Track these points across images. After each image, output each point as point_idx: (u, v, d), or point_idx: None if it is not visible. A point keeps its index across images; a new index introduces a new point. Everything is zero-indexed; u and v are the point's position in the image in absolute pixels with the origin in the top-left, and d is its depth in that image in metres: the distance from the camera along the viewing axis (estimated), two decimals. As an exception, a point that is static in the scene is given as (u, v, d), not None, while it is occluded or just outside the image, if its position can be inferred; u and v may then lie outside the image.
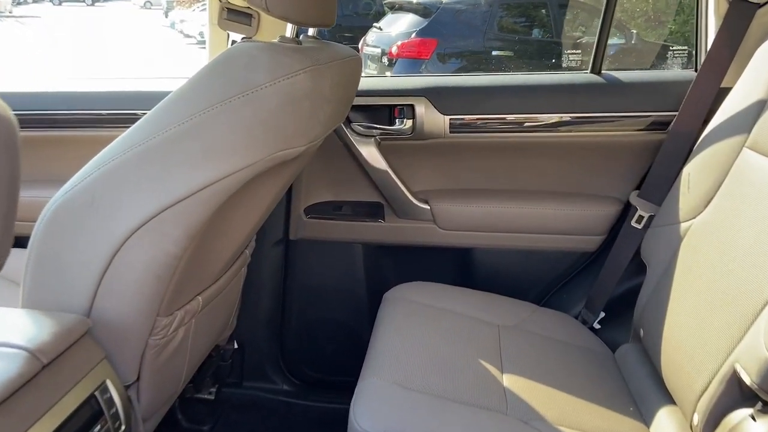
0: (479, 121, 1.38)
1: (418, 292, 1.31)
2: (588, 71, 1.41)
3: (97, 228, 0.84)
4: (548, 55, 5.75)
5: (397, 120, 1.40)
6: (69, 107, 1.40)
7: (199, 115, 0.81)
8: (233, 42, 1.32)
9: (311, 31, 1.18)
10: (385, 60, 5.45)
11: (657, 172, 1.28)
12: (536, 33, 5.87)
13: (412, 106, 1.38)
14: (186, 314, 1.00)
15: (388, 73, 5.38)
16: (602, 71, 1.40)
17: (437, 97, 1.38)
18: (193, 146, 0.81)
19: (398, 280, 1.42)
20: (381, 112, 1.41)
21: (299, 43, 0.96)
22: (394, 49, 5.38)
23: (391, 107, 1.40)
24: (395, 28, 5.60)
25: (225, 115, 0.81)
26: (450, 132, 1.38)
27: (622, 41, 5.69)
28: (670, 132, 1.28)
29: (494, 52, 5.60)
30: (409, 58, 5.40)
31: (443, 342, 1.12)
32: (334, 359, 1.60)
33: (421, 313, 1.22)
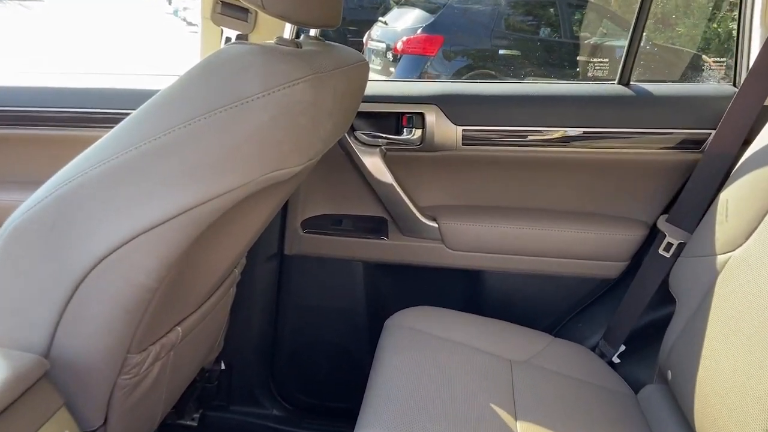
0: (495, 133, 1.26)
1: (423, 318, 1.20)
2: (615, 82, 1.29)
3: (57, 255, 0.73)
4: (556, 56, 5.65)
5: (405, 129, 1.28)
6: (45, 104, 1.28)
7: (179, 128, 0.70)
8: (227, 39, 1.20)
9: (313, 31, 1.06)
10: (389, 55, 5.36)
11: (689, 195, 1.17)
12: (544, 32, 5.78)
13: (421, 115, 1.26)
14: (163, 348, 0.89)
15: (392, 69, 5.28)
16: (631, 82, 1.28)
17: (449, 105, 1.26)
18: (172, 164, 0.70)
19: (401, 303, 1.30)
20: (388, 120, 1.30)
21: (299, 45, 0.84)
22: (399, 45, 5.28)
23: (399, 115, 1.28)
24: (401, 23, 5.50)
25: (210, 129, 0.69)
26: (462, 144, 1.27)
27: (631, 43, 5.57)
28: (706, 152, 1.16)
29: (501, 51, 5.53)
30: (414, 55, 5.30)
31: (451, 381, 1.01)
32: (328, 384, 1.48)
33: (426, 344, 1.11)
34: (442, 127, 1.26)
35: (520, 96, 1.27)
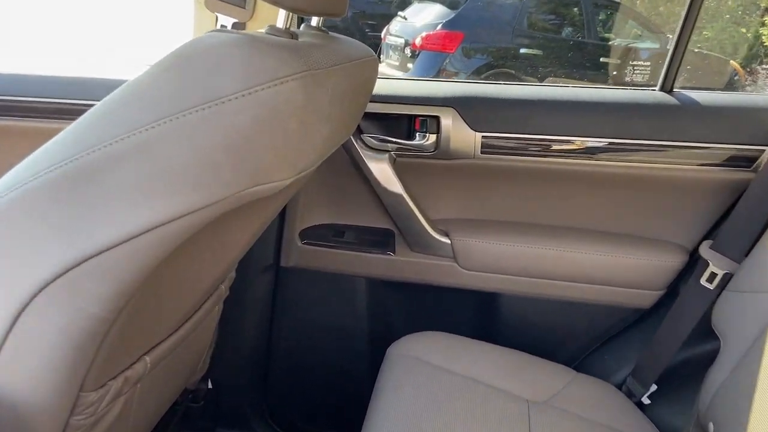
0: (518, 142, 1.12)
1: (429, 346, 1.07)
2: (656, 88, 1.15)
3: None
4: (579, 57, 5.50)
5: (417, 133, 1.15)
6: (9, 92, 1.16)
7: (140, 131, 0.57)
8: (221, 28, 1.08)
9: (315, 21, 0.93)
10: (407, 51, 5.24)
11: (738, 220, 1.03)
12: (567, 32, 5.64)
13: (437, 118, 1.13)
14: (127, 382, 0.77)
15: (409, 65, 5.16)
16: (674, 90, 1.14)
17: (468, 108, 1.12)
18: (128, 175, 0.57)
19: (406, 325, 1.18)
20: (399, 123, 1.16)
21: (294, 36, 0.71)
22: (417, 41, 5.16)
23: (412, 117, 1.15)
24: (421, 18, 5.38)
25: (176, 133, 0.57)
26: (481, 152, 1.13)
27: (656, 46, 5.41)
28: (760, 171, 1.02)
29: (522, 50, 5.40)
30: (433, 51, 5.17)
31: (458, 424, 0.88)
32: (325, 408, 1.36)
33: (432, 378, 0.98)
34: (459, 133, 1.13)
35: (549, 101, 1.13)
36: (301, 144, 0.64)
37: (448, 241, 1.19)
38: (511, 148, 1.13)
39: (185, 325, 0.88)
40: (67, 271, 0.59)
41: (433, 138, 1.14)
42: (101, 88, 1.13)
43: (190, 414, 1.27)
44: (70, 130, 0.61)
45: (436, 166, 1.19)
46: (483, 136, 1.12)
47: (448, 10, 5.32)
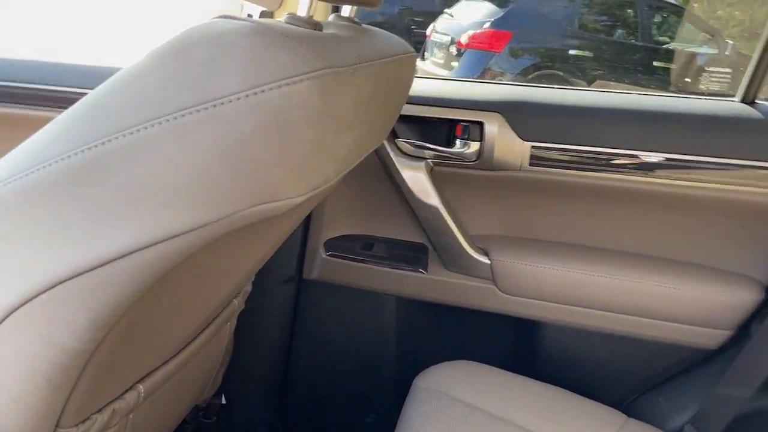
0: (572, 154, 1.00)
1: (461, 379, 0.95)
2: (736, 99, 1.01)
3: None
4: (631, 60, 5.29)
5: (458, 140, 1.03)
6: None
7: (125, 134, 0.47)
8: (248, 17, 0.98)
9: (346, 10, 0.82)
10: (453, 49, 5.13)
11: None
12: (619, 34, 5.44)
13: (480, 124, 1.01)
14: (115, 414, 0.68)
15: (454, 64, 5.05)
16: (757, 101, 1.00)
17: (517, 115, 1.00)
18: (105, 187, 0.48)
19: (436, 350, 1.07)
20: (438, 128, 1.05)
21: (317, 27, 0.60)
22: (463, 39, 5.04)
23: (453, 123, 1.04)
24: (468, 16, 5.27)
25: (164, 139, 0.47)
26: (529, 164, 1.01)
27: (714, 51, 5.15)
28: None
29: (571, 51, 5.23)
30: (479, 50, 5.04)
31: None
32: None
33: (462, 418, 0.87)
34: (505, 142, 1.01)
35: (608, 109, 1.00)
36: (316, 156, 0.53)
37: (487, 261, 1.07)
38: (564, 161, 1.00)
39: (188, 348, 0.79)
40: (35, 296, 0.50)
41: (475, 146, 1.02)
42: (98, 76, 1.06)
43: (203, 430, 1.19)
44: (47, 129, 0.52)
45: (477, 177, 1.07)
46: (532, 146, 1.00)
47: (497, 9, 5.20)
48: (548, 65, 5.23)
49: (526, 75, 5.08)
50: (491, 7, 5.24)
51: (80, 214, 0.48)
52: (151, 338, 0.66)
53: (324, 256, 1.14)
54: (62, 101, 1.05)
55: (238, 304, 0.92)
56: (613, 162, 0.99)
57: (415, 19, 6.11)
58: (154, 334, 0.67)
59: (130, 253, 0.48)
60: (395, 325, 1.16)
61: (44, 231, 0.49)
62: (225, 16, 0.53)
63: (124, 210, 0.47)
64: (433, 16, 5.68)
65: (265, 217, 0.53)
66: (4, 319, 0.51)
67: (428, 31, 5.55)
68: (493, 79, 5.01)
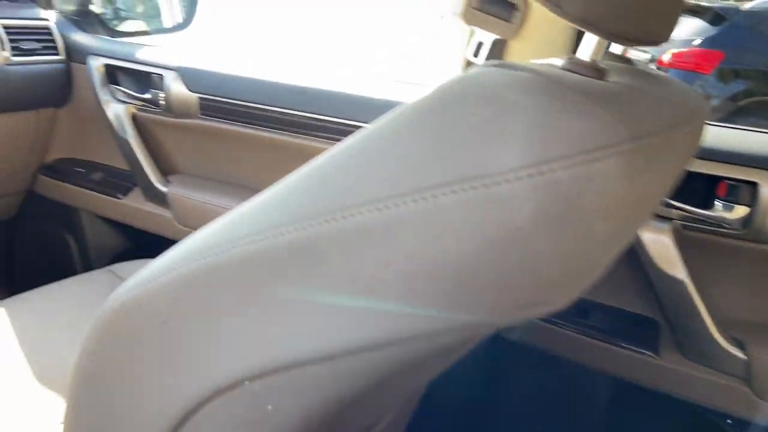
0: None
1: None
2: None
3: (164, 365, 0.46)
4: None
5: (719, 202, 0.83)
6: (265, 100, 1.09)
7: (369, 210, 0.37)
8: (478, 46, 0.87)
9: (615, 47, 0.67)
10: (653, 67, 4.70)
11: None
12: None
13: (754, 186, 0.81)
14: None
15: (652, 84, 4.64)
16: None
17: None
18: (332, 272, 0.38)
19: None
20: (691, 183, 0.86)
21: (602, 75, 0.46)
22: (666, 57, 4.59)
23: (714, 179, 0.84)
24: (674, 33, 4.79)
25: (415, 220, 0.36)
26: None
27: None
28: None
29: (796, 77, 4.57)
30: (684, 70, 4.56)
31: None
32: None
33: None
34: None
35: None
36: (591, 254, 0.39)
37: (743, 356, 0.86)
38: None
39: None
40: (250, 378, 0.42)
41: (743, 211, 0.82)
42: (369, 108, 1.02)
43: None
44: (291, 184, 0.43)
45: (738, 248, 0.86)
46: None
47: (707, 26, 4.68)
48: (763, 91, 4.61)
49: (735, 101, 4.55)
50: (701, 24, 4.74)
51: (332, 286, 0.39)
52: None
53: (535, 320, 1.00)
54: (334, 132, 1.05)
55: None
56: None
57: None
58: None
59: (375, 348, 0.38)
60: (612, 414, 0.98)
61: (285, 302, 0.40)
62: (499, 63, 0.41)
63: (377, 291, 0.37)
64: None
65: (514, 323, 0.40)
66: (212, 397, 0.44)
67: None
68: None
